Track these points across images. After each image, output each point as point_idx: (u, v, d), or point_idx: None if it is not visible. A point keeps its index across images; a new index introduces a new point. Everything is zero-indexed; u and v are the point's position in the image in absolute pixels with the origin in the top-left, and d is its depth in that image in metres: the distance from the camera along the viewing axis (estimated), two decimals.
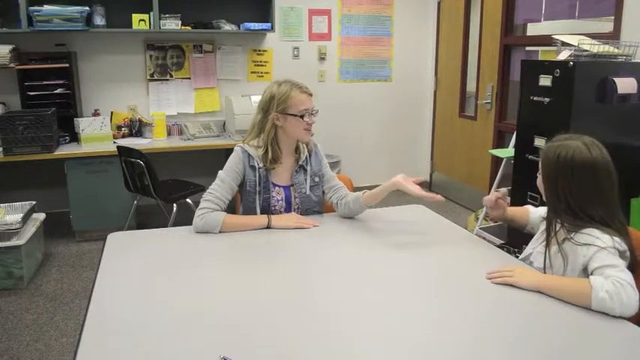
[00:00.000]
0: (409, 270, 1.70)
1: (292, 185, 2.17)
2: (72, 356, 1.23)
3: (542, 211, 1.84)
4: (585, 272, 1.50)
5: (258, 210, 2.10)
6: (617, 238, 1.49)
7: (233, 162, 2.10)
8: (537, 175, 1.71)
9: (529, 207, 1.95)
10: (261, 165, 2.09)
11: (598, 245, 1.47)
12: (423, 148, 5.60)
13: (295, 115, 2.04)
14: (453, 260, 1.78)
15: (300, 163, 2.17)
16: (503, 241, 1.93)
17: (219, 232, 1.98)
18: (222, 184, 2.08)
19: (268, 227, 2.03)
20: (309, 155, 2.19)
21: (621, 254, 1.47)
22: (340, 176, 2.33)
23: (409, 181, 1.97)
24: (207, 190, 2.07)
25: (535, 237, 1.83)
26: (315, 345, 1.26)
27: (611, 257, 1.44)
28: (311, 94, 2.10)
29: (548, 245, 1.62)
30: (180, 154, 4.39)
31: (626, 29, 3.20)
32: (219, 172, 2.11)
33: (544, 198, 1.71)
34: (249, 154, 2.10)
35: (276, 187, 2.14)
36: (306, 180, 2.17)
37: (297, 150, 2.18)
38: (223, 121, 4.67)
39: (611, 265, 1.42)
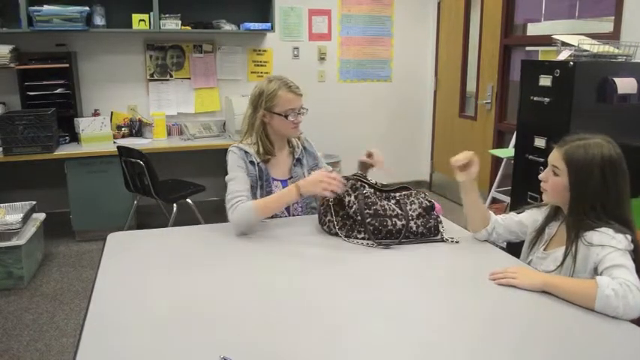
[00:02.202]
0: (409, 270, 1.70)
1: (291, 178, 2.18)
2: (72, 356, 1.23)
3: (526, 216, 1.83)
4: (595, 272, 1.49)
5: None
6: (629, 237, 1.49)
7: (234, 160, 2.10)
8: (545, 177, 1.67)
9: (511, 215, 1.89)
10: (258, 160, 2.11)
11: (613, 246, 1.46)
12: (423, 148, 5.60)
13: (280, 115, 2.07)
14: (453, 260, 1.78)
15: (296, 156, 2.20)
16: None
17: (257, 219, 1.96)
18: (236, 180, 2.05)
19: (301, 197, 1.96)
20: (304, 149, 2.24)
21: (630, 253, 1.47)
22: None
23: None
24: (227, 193, 2.02)
25: (527, 244, 1.82)
26: (315, 345, 1.26)
27: (621, 258, 1.43)
28: (300, 94, 2.12)
29: (569, 248, 1.58)
30: (180, 154, 4.39)
31: (626, 29, 3.21)
32: (226, 177, 2.09)
33: (550, 199, 1.68)
34: (245, 152, 2.11)
35: (275, 182, 2.16)
36: (304, 174, 2.18)
37: (289, 143, 2.22)
38: (223, 121, 4.67)
39: (620, 266, 1.41)
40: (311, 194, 1.96)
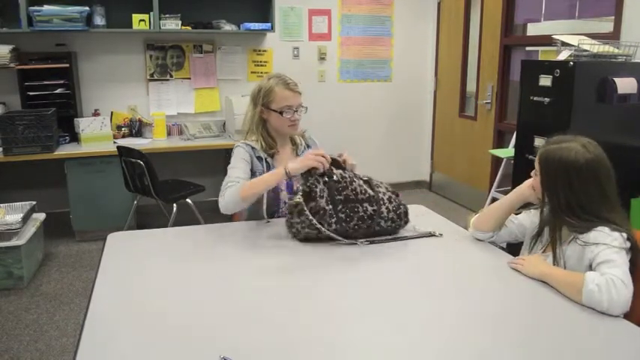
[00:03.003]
0: (409, 270, 1.70)
1: (294, 176, 2.18)
2: (72, 356, 1.23)
3: (525, 217, 1.84)
4: (590, 269, 1.50)
5: (265, 200, 2.09)
6: (625, 235, 1.50)
7: (239, 153, 2.11)
8: (533, 176, 1.71)
9: (510, 217, 1.88)
10: (265, 155, 2.12)
11: (607, 243, 1.48)
12: (423, 148, 5.60)
13: (276, 111, 2.09)
14: (453, 260, 1.78)
15: (299, 153, 2.22)
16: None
17: (243, 200, 1.95)
18: (235, 168, 2.06)
19: (289, 177, 1.93)
20: (307, 147, 2.25)
21: (627, 251, 1.48)
22: None
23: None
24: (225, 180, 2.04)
25: (525, 245, 1.83)
26: (315, 345, 1.26)
27: (613, 254, 1.45)
28: (298, 92, 2.13)
29: (553, 249, 1.62)
30: (180, 154, 4.39)
31: (626, 29, 3.21)
32: (228, 167, 2.11)
33: (541, 200, 1.70)
34: (252, 147, 2.13)
35: None
36: None
37: (292, 141, 2.24)
38: (223, 121, 4.67)
39: (609, 261, 1.43)
40: (298, 172, 1.91)
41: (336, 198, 1.85)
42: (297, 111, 2.12)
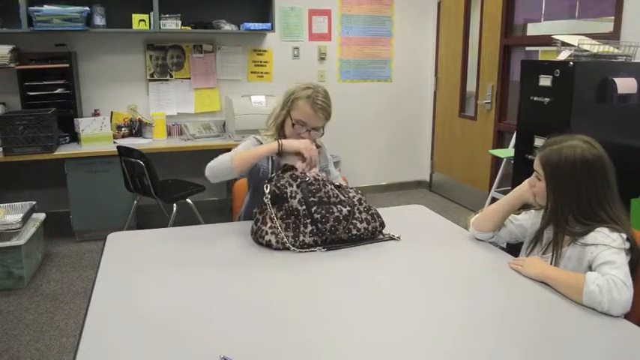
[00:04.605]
0: (409, 270, 1.70)
1: (302, 173, 2.18)
2: (72, 356, 1.23)
3: (526, 218, 1.83)
4: (590, 270, 1.51)
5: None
6: (624, 235, 1.50)
7: (248, 144, 2.13)
8: (533, 182, 1.70)
9: (511, 217, 1.87)
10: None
11: (606, 244, 1.48)
12: (423, 148, 5.60)
13: (291, 120, 2.07)
14: (453, 260, 1.78)
15: None
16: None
17: (233, 163, 1.96)
18: (239, 146, 2.09)
19: (279, 153, 1.97)
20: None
21: (626, 251, 1.48)
22: None
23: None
24: None
25: (525, 245, 1.83)
26: (315, 345, 1.26)
27: (613, 255, 1.45)
28: (321, 115, 2.09)
29: (555, 251, 1.62)
30: (180, 154, 4.39)
31: (626, 29, 3.21)
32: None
33: (541, 202, 1.69)
34: (262, 143, 2.13)
35: None
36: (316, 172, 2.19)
37: None
38: (223, 121, 4.67)
39: (610, 262, 1.43)
40: (291, 150, 1.95)
41: (310, 200, 1.84)
42: (309, 131, 2.09)
